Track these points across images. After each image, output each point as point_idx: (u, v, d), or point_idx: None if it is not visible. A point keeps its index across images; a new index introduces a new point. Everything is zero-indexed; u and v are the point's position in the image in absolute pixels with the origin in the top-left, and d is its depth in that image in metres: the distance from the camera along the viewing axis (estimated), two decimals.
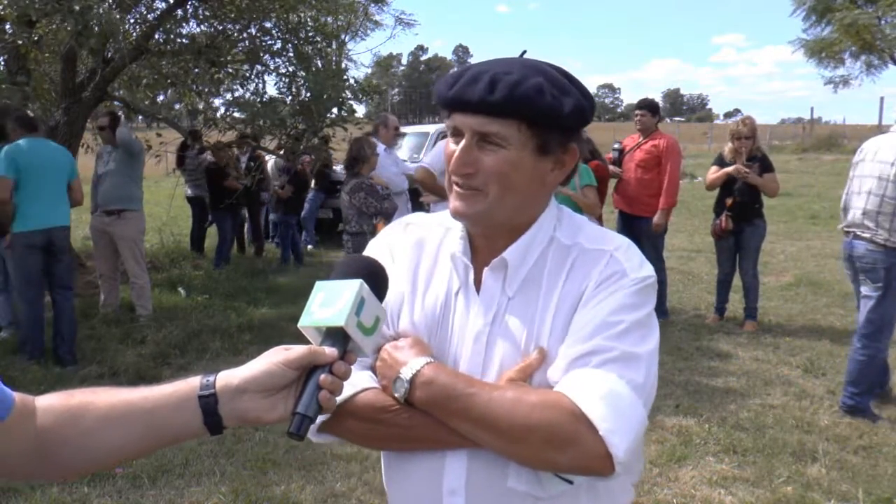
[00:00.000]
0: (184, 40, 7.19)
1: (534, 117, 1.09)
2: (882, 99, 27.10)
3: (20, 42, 5.97)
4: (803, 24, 18.94)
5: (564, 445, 1.02)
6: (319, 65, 7.21)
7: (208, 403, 0.99)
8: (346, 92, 7.00)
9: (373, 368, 1.18)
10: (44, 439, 0.97)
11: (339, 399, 1.05)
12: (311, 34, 7.28)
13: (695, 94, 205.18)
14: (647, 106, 6.40)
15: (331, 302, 1.03)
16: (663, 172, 6.16)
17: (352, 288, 1.03)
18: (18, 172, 4.93)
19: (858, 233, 4.16)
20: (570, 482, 1.08)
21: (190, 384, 1.01)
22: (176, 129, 7.73)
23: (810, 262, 8.94)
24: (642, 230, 6.18)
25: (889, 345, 4.34)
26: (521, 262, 1.16)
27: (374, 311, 1.05)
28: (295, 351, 1.01)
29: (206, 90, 7.93)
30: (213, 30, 7.49)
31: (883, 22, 17.81)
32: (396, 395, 1.11)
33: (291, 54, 7.27)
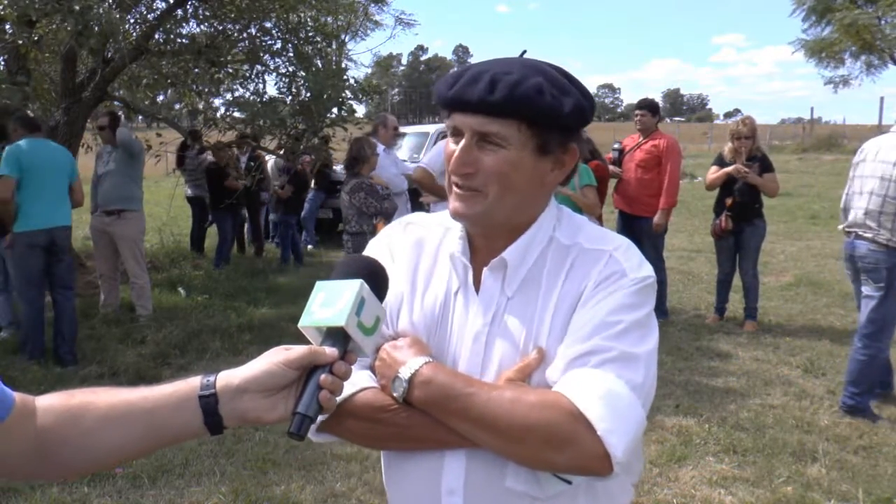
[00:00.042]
0: (184, 40, 7.20)
1: (534, 117, 1.09)
2: (882, 99, 27.18)
3: (20, 42, 5.97)
4: (803, 25, 18.95)
5: (562, 445, 1.02)
6: (319, 65, 7.20)
7: (209, 403, 0.99)
8: (346, 92, 7.00)
9: (372, 368, 1.18)
10: (44, 439, 0.97)
11: (338, 399, 1.05)
12: (311, 34, 7.28)
13: (695, 94, 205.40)
14: (648, 106, 6.40)
15: (331, 302, 1.03)
16: (663, 172, 6.16)
17: (352, 288, 1.03)
18: (21, 172, 4.95)
19: (860, 233, 4.16)
20: (569, 482, 1.09)
21: (190, 384, 1.01)
22: (176, 129, 7.73)
23: (810, 262, 8.94)
24: (642, 230, 6.18)
25: (890, 344, 4.35)
26: (521, 262, 1.16)
27: (374, 312, 1.05)
28: (295, 351, 1.01)
29: (206, 90, 7.93)
30: (213, 30, 7.49)
31: (883, 22, 17.81)
32: (395, 394, 1.11)
33: (291, 54, 7.27)
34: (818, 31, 18.96)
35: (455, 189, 1.14)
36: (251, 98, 7.34)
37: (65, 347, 5.15)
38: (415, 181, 5.22)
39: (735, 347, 5.60)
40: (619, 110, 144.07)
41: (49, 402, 0.99)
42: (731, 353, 5.46)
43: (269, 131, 7.11)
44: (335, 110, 6.99)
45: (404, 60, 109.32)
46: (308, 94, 6.98)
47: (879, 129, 17.52)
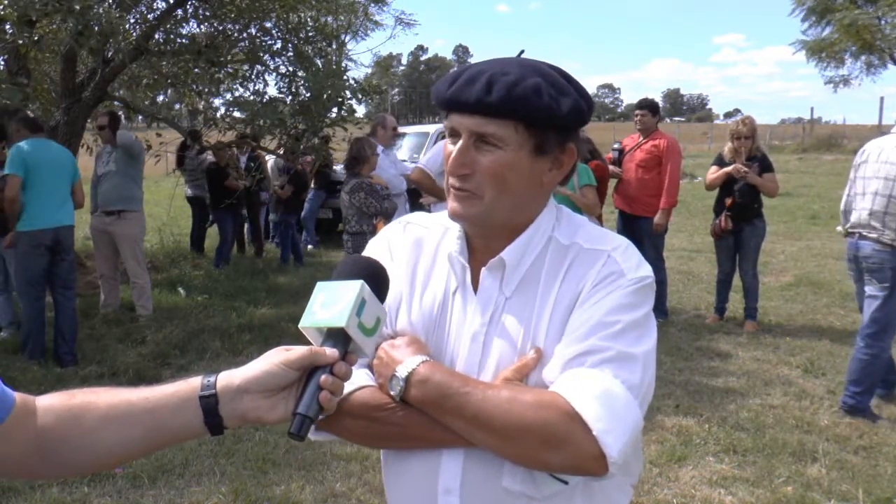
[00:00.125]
0: (184, 40, 7.19)
1: (531, 118, 1.09)
2: (882, 99, 27.18)
3: (20, 42, 5.96)
4: (802, 25, 18.97)
5: (558, 445, 1.02)
6: (319, 65, 7.20)
7: (209, 404, 0.99)
8: (346, 92, 7.00)
9: (370, 366, 1.18)
10: (44, 439, 0.98)
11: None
12: (311, 34, 7.28)
13: (695, 94, 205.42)
14: (648, 106, 6.40)
15: (332, 303, 1.03)
16: (664, 172, 6.15)
17: (353, 289, 1.03)
18: (27, 172, 4.97)
19: (864, 233, 4.18)
20: (565, 482, 1.09)
21: (191, 384, 1.01)
22: (176, 129, 7.73)
23: (810, 262, 8.94)
24: (643, 230, 6.18)
25: (892, 344, 4.35)
26: (519, 262, 1.16)
27: (374, 312, 1.05)
28: (296, 351, 1.01)
29: (206, 90, 7.93)
30: (213, 30, 7.49)
31: (883, 22, 17.82)
32: (392, 393, 1.11)
33: (291, 54, 7.27)
34: (818, 32, 18.98)
35: (453, 190, 1.15)
36: (251, 98, 7.33)
37: (65, 347, 5.16)
38: (413, 182, 5.22)
39: (735, 347, 5.60)
40: (619, 110, 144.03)
41: (49, 402, 1.00)
42: (731, 353, 5.46)
43: (269, 131, 7.11)
44: (335, 110, 6.98)
45: (404, 60, 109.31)
46: (308, 94, 6.98)
47: (879, 129, 17.54)
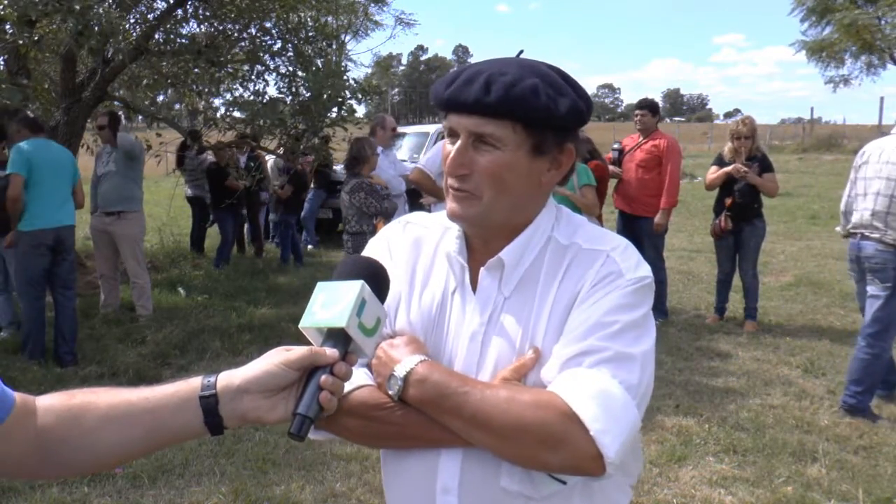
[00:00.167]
0: (184, 40, 7.19)
1: (529, 118, 1.09)
2: (882, 99, 27.18)
3: (20, 42, 5.96)
4: (802, 25, 18.98)
5: (556, 445, 1.02)
6: (319, 65, 7.20)
7: (209, 404, 0.99)
8: (346, 92, 7.00)
9: (369, 366, 1.18)
10: (44, 439, 0.98)
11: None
12: (311, 34, 7.28)
13: (695, 94, 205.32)
14: (648, 106, 6.40)
15: (332, 303, 1.03)
16: (664, 172, 6.15)
17: (353, 289, 1.03)
18: (30, 171, 4.97)
19: (866, 233, 4.20)
20: (564, 482, 1.09)
21: (191, 384, 1.01)
22: (176, 129, 7.73)
23: (810, 262, 8.94)
24: (643, 230, 6.18)
25: (893, 344, 4.36)
26: (518, 261, 1.17)
27: (375, 312, 1.05)
28: (296, 352, 1.01)
29: (206, 90, 7.93)
30: (213, 30, 7.49)
31: (883, 22, 17.83)
32: (390, 392, 1.11)
33: (291, 54, 7.27)
34: (818, 32, 18.99)
35: (451, 190, 1.15)
36: (251, 98, 7.33)
37: (65, 347, 5.16)
38: (413, 182, 5.23)
39: (735, 347, 5.60)
40: (619, 110, 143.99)
41: (49, 402, 1.00)
42: (731, 353, 5.46)
43: (269, 131, 7.11)
44: (335, 110, 6.99)
45: (404, 60, 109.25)
46: (308, 94, 6.98)
47: (879, 130, 17.54)
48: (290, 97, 7.25)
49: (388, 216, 5.02)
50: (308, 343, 1.05)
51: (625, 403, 1.03)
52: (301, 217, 9.76)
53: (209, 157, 8.68)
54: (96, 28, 5.38)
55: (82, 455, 1.00)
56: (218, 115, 7.84)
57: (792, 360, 5.28)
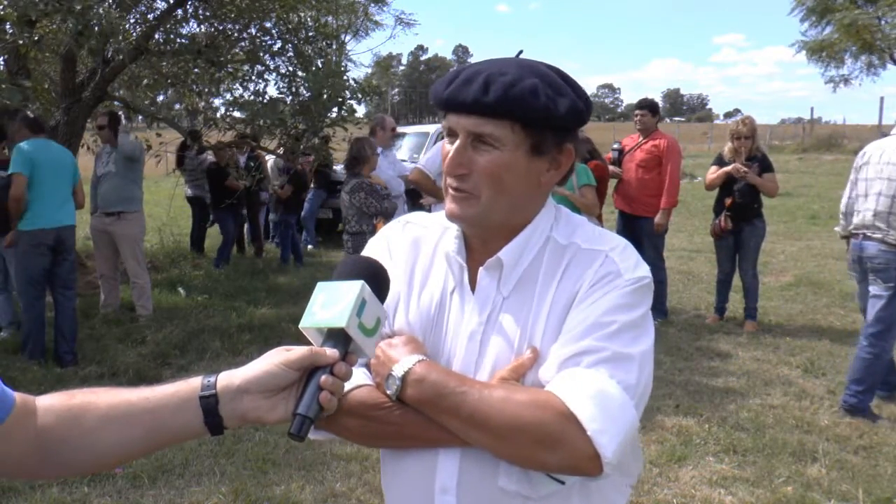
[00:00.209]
0: (184, 40, 7.19)
1: (528, 118, 1.09)
2: (882, 99, 27.17)
3: (20, 42, 5.96)
4: (801, 25, 18.98)
5: (553, 445, 1.02)
6: (319, 65, 7.20)
7: (209, 404, 0.99)
8: (346, 92, 7.00)
9: (368, 365, 1.19)
10: (44, 439, 0.98)
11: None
12: (311, 34, 7.28)
13: (695, 94, 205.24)
14: (648, 106, 6.40)
15: (332, 303, 1.03)
16: (664, 172, 6.15)
17: (353, 289, 1.03)
18: (31, 171, 4.99)
19: (868, 234, 4.22)
20: (562, 482, 1.09)
21: (191, 385, 1.01)
22: (176, 129, 7.73)
23: (810, 262, 8.94)
24: (643, 230, 6.18)
25: (895, 345, 4.36)
26: (517, 261, 1.17)
27: (375, 313, 1.05)
28: (296, 352, 1.01)
29: (206, 90, 7.93)
30: (213, 30, 7.49)
31: (883, 22, 17.83)
32: (388, 392, 1.12)
33: (291, 54, 7.27)
34: (818, 32, 18.99)
35: (450, 190, 1.15)
36: (251, 98, 7.34)
37: (65, 347, 5.16)
38: (412, 182, 5.23)
39: (735, 347, 5.60)
40: (619, 110, 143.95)
41: (50, 402, 1.00)
42: (731, 353, 5.46)
43: (269, 131, 7.11)
44: (335, 110, 6.99)
45: (404, 60, 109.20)
46: (308, 94, 6.98)
47: (879, 130, 17.54)
48: (290, 97, 7.25)
49: (388, 216, 5.02)
50: (308, 343, 1.05)
51: (622, 403, 1.03)
52: (301, 217, 9.76)
53: (209, 157, 8.68)
54: (96, 28, 5.39)
55: (82, 455, 1.00)
56: (218, 115, 7.84)
57: (792, 360, 5.28)
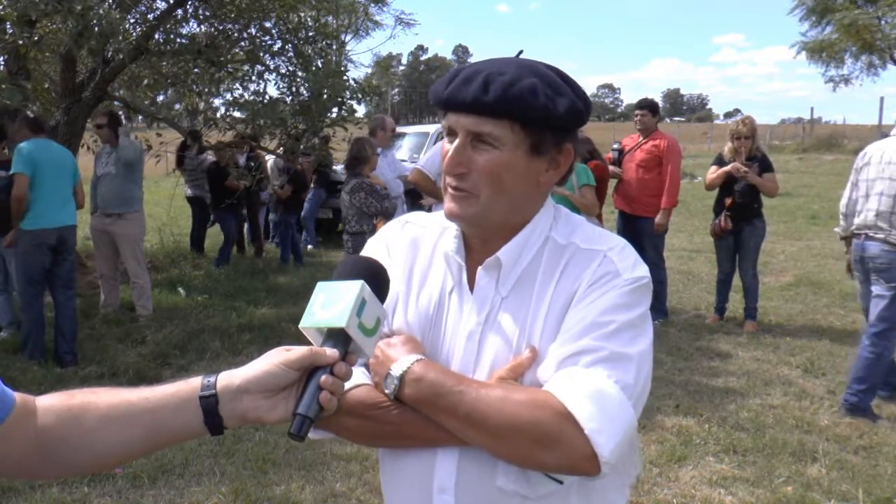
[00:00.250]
0: (184, 40, 7.19)
1: (527, 118, 1.09)
2: (882, 99, 27.14)
3: (20, 42, 5.96)
4: (801, 25, 18.97)
5: (551, 445, 1.02)
6: (319, 65, 7.20)
7: (209, 404, 0.99)
8: (346, 92, 7.00)
9: (366, 365, 1.19)
10: (44, 439, 0.98)
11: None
12: (311, 34, 7.28)
13: (695, 94, 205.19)
14: (648, 106, 6.40)
15: (332, 303, 1.03)
16: (664, 172, 6.15)
17: (353, 289, 1.03)
18: (33, 171, 5.00)
19: (871, 234, 4.23)
20: (560, 482, 1.08)
21: (191, 385, 1.01)
22: (176, 129, 7.73)
23: (810, 262, 8.94)
24: (643, 230, 6.18)
25: None
26: (515, 261, 1.17)
27: (375, 313, 1.05)
28: (296, 352, 1.01)
29: (206, 90, 7.93)
30: (213, 30, 7.49)
31: (883, 22, 17.82)
32: (387, 391, 1.12)
33: (291, 54, 7.28)
34: (818, 32, 18.99)
35: (449, 189, 1.15)
36: (251, 98, 7.34)
37: (65, 347, 5.16)
38: (412, 183, 5.23)
39: (735, 347, 5.60)
40: (619, 110, 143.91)
41: (49, 402, 1.00)
42: (731, 353, 5.46)
43: (269, 131, 7.12)
44: (335, 110, 6.99)
45: (404, 60, 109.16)
46: (308, 94, 6.98)
47: (879, 130, 17.53)
48: (291, 97, 7.25)
49: (388, 216, 5.02)
50: (308, 343, 1.05)
51: (620, 403, 1.03)
52: (301, 217, 9.76)
53: (209, 157, 8.68)
54: (96, 29, 5.39)
55: (82, 455, 1.00)
56: (218, 115, 7.85)
57: (792, 360, 5.28)
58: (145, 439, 1.00)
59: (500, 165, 1.10)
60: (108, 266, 6.41)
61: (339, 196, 5.96)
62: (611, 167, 6.32)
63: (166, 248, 9.40)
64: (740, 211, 5.92)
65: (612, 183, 6.38)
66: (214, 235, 9.62)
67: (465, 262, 1.20)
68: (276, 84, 7.47)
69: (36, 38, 6.25)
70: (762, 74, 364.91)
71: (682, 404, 4.44)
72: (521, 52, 1.29)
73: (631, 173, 6.30)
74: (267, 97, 7.28)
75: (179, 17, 7.29)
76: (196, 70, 7.32)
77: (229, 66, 7.34)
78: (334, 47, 7.72)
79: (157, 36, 7.10)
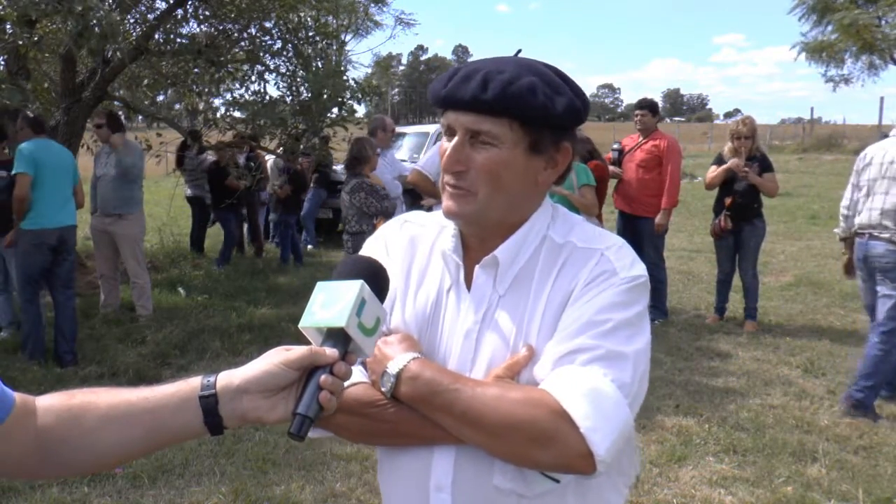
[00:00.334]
0: (184, 40, 7.19)
1: (525, 116, 1.09)
2: (882, 99, 27.18)
3: (20, 42, 5.96)
4: (802, 25, 18.95)
5: (546, 443, 1.02)
6: (319, 65, 7.20)
7: (209, 404, 0.99)
8: (346, 92, 7.00)
9: (364, 363, 1.19)
10: (44, 439, 0.98)
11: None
12: (311, 34, 7.28)
13: (695, 94, 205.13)
14: (647, 106, 6.40)
15: (332, 302, 1.03)
16: (664, 173, 6.15)
17: (353, 289, 1.03)
18: (35, 171, 5.01)
19: (875, 233, 4.24)
20: (557, 481, 1.08)
21: (191, 384, 1.01)
22: (176, 129, 7.73)
23: (810, 262, 8.94)
24: (643, 230, 6.18)
25: None
26: (513, 260, 1.17)
27: (374, 312, 1.05)
28: (296, 351, 1.01)
29: (206, 90, 7.93)
30: (213, 30, 7.49)
31: (883, 22, 17.82)
32: (383, 389, 1.12)
33: (291, 54, 7.28)
34: (818, 32, 18.98)
35: (448, 188, 1.15)
36: (251, 98, 7.34)
37: (65, 347, 5.16)
38: (411, 184, 5.23)
39: (735, 347, 5.60)
40: (619, 110, 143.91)
41: (49, 402, 1.00)
42: (731, 353, 5.46)
43: (269, 131, 7.12)
44: (335, 110, 6.99)
45: (404, 60, 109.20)
46: (308, 94, 6.98)
47: (879, 130, 17.52)
48: (291, 97, 7.25)
49: (388, 216, 5.02)
50: (308, 343, 1.05)
51: (616, 402, 1.03)
52: (301, 216, 9.75)
53: (209, 156, 8.67)
54: (97, 30, 5.39)
55: (82, 455, 1.00)
56: (218, 115, 7.84)
57: (792, 360, 5.28)
58: (145, 439, 1.00)
59: (498, 163, 1.11)
60: (108, 266, 6.41)
61: (339, 196, 5.95)
62: (611, 167, 6.32)
63: (166, 248, 9.40)
64: (740, 211, 5.92)
65: (612, 183, 6.38)
66: (214, 235, 9.62)
67: (463, 261, 1.20)
68: (276, 84, 7.48)
69: (36, 38, 6.25)
70: (762, 74, 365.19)
71: (682, 404, 4.44)
72: (519, 50, 1.30)
73: (631, 173, 6.30)
74: (267, 97, 7.28)
75: (179, 17, 7.29)
76: (196, 70, 7.32)
77: (229, 66, 7.34)
78: (334, 47, 7.71)
79: (157, 36, 7.10)
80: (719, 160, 6.10)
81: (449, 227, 1.23)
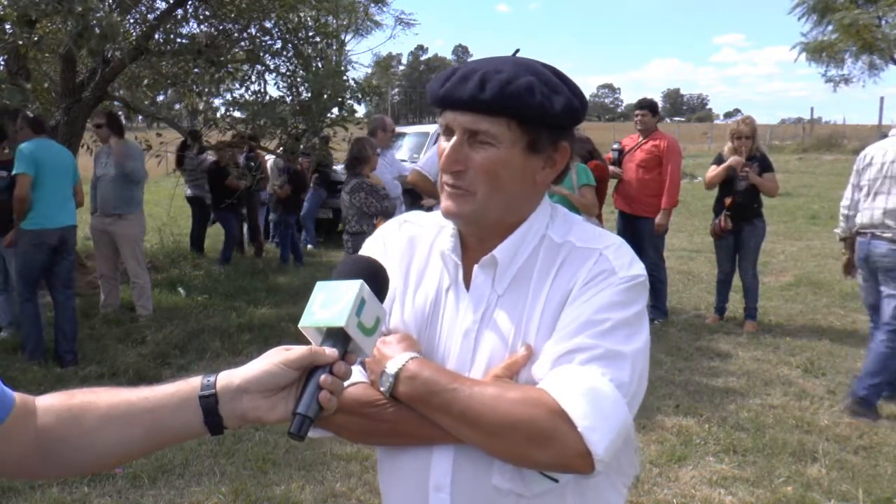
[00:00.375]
0: (184, 40, 7.19)
1: (523, 116, 1.09)
2: (882, 99, 27.18)
3: (20, 42, 5.96)
4: (801, 25, 18.95)
5: (544, 442, 1.02)
6: (319, 65, 7.20)
7: (209, 403, 0.99)
8: (346, 92, 7.00)
9: (363, 363, 1.19)
10: (44, 439, 0.98)
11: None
12: (311, 34, 7.28)
13: (695, 94, 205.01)
14: (647, 106, 6.40)
15: (331, 302, 1.03)
16: (664, 173, 6.15)
17: (352, 288, 1.03)
18: (35, 172, 5.01)
19: (878, 233, 4.24)
20: (555, 480, 1.08)
21: (191, 384, 1.01)
22: (176, 129, 7.73)
23: (810, 262, 8.94)
24: (643, 230, 6.18)
25: None
26: (511, 259, 1.17)
27: (374, 312, 1.05)
28: (295, 351, 1.01)
29: (206, 90, 7.93)
30: (213, 30, 7.49)
31: (883, 22, 17.81)
32: (382, 389, 1.12)
33: (291, 54, 7.28)
34: (819, 32, 18.98)
35: (446, 187, 1.15)
36: (251, 98, 7.34)
37: (65, 347, 5.16)
38: (411, 184, 5.23)
39: (735, 347, 5.60)
40: (618, 110, 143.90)
41: (49, 402, 1.00)
42: (731, 353, 5.46)
43: (269, 131, 7.12)
44: (335, 110, 6.99)
45: (404, 60, 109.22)
46: (308, 94, 6.98)
47: (879, 129, 17.53)
48: (291, 97, 7.25)
49: (388, 216, 5.02)
50: (307, 342, 1.05)
51: (615, 401, 1.03)
52: (301, 216, 9.75)
53: (209, 156, 8.68)
54: (97, 30, 5.39)
55: (82, 455, 1.00)
56: (218, 115, 7.84)
57: (792, 360, 5.28)
58: (145, 439, 1.00)
59: (496, 163, 1.11)
60: (108, 266, 6.41)
61: (339, 196, 5.95)
62: (611, 167, 6.31)
63: (166, 248, 9.40)
64: (740, 211, 5.92)
65: (612, 183, 6.38)
66: (214, 235, 9.62)
67: (462, 261, 1.20)
68: (276, 84, 7.48)
69: (36, 38, 6.25)
70: (762, 74, 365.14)
71: (682, 404, 4.44)
72: (517, 50, 1.30)
73: (631, 173, 6.30)
74: (267, 97, 7.28)
75: (179, 17, 7.29)
76: (196, 70, 7.32)
77: (229, 66, 7.34)
78: (334, 47, 7.71)
79: (157, 36, 7.10)
80: (719, 160, 6.10)
81: (448, 227, 1.23)
